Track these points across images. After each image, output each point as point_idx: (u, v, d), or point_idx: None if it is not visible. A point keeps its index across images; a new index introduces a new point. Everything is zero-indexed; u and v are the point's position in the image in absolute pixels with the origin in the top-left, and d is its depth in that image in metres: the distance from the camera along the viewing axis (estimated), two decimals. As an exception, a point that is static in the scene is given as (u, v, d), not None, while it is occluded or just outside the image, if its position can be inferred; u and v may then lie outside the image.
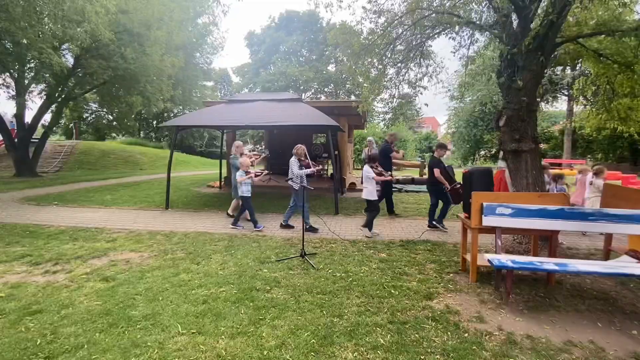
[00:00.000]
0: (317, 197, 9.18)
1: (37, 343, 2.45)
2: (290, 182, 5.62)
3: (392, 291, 3.34)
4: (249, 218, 5.94)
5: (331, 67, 32.80)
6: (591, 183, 5.65)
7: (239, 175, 5.64)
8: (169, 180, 7.74)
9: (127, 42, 12.05)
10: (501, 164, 6.21)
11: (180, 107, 26.56)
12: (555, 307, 3.08)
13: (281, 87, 28.97)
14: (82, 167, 15.81)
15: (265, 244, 4.91)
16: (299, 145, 6.04)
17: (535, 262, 3.19)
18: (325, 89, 32.93)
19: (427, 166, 6.18)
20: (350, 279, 3.63)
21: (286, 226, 5.84)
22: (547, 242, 3.84)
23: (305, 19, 32.13)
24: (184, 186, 11.38)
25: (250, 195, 5.76)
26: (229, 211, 6.63)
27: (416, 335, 2.58)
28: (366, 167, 5.42)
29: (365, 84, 6.95)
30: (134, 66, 12.08)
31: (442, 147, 6.17)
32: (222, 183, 11.07)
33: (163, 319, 2.79)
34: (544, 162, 5.79)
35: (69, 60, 13.63)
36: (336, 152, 8.38)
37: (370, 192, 5.35)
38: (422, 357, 2.31)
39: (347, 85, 31.15)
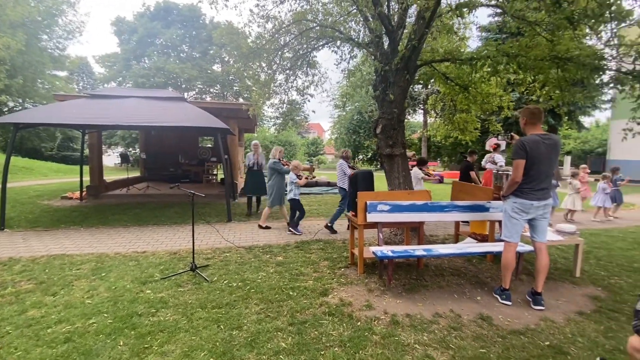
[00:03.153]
0: (207, 203, 8.62)
1: None
2: (340, 185, 6.20)
3: (291, 293, 3.39)
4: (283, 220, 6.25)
5: (217, 67, 31.34)
6: (570, 183, 7.22)
7: (293, 179, 5.80)
8: (4, 192, 6.02)
9: None
10: (489, 165, 7.17)
11: (20, 100, 21.12)
12: (425, 286, 3.65)
13: (159, 84, 26.14)
14: None
15: (146, 261, 4.33)
16: (346, 149, 6.54)
17: (409, 250, 3.73)
18: (211, 90, 31.26)
19: (460, 169, 7.18)
20: (248, 287, 3.52)
21: (331, 228, 5.99)
22: (416, 232, 4.53)
23: (185, 13, 29.82)
24: (28, 199, 9.06)
25: (299, 198, 5.90)
26: (261, 223, 6.26)
27: (315, 332, 2.68)
28: (415, 169, 6.34)
29: (254, 88, 6.90)
30: (-59, 42, 9.00)
31: (474, 153, 7.25)
32: (84, 193, 9.26)
33: (3, 373, 2.15)
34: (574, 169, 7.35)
35: None
36: (226, 156, 8.03)
37: None
38: (322, 353, 2.41)
39: (235, 87, 30.28)
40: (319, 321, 2.84)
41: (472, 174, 6.96)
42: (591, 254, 4.89)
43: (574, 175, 7.67)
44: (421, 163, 6.86)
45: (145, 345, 2.46)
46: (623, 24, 3.86)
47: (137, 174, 13.98)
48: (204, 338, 2.57)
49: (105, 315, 2.90)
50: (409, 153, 7.73)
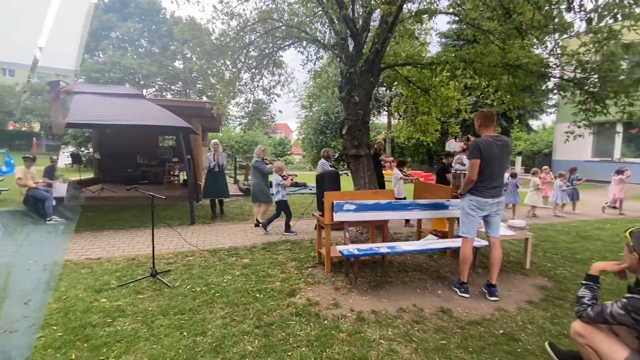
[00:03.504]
0: (168, 206, 8.26)
1: None
2: None
3: (257, 295, 3.34)
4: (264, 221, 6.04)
5: (178, 64, 30.08)
6: (530, 180, 7.91)
7: (279, 181, 5.81)
8: None
9: None
10: (458, 166, 7.42)
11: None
12: (389, 283, 3.75)
13: (114, 80, 24.64)
14: None
15: (100, 268, 4.06)
16: (328, 148, 6.67)
17: (374, 248, 3.82)
18: (172, 87, 29.96)
19: (437, 171, 7.45)
20: (213, 291, 3.42)
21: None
22: (381, 230, 4.65)
23: (144, 6, 28.34)
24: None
25: (286, 199, 5.91)
26: (259, 218, 6.26)
27: (283, 333, 2.66)
28: (396, 171, 6.89)
29: (218, 86, 6.73)
30: None
31: (449, 155, 7.41)
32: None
33: None
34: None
35: None
36: (189, 157, 7.74)
37: (399, 190, 6.61)
38: (290, 354, 2.40)
39: (198, 85, 29.25)
40: (286, 322, 2.83)
41: (449, 175, 7.32)
42: (539, 247, 5.29)
43: (534, 174, 8.33)
44: (401, 164, 7.21)
45: (101, 357, 2.31)
46: (565, 35, 4.22)
47: (90, 175, 13.08)
48: (166, 346, 2.46)
49: (55, 327, 2.69)
50: (388, 158, 8.07)
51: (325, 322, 2.85)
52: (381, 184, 7.79)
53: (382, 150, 8.23)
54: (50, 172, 7.00)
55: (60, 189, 6.56)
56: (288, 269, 4.11)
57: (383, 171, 7.40)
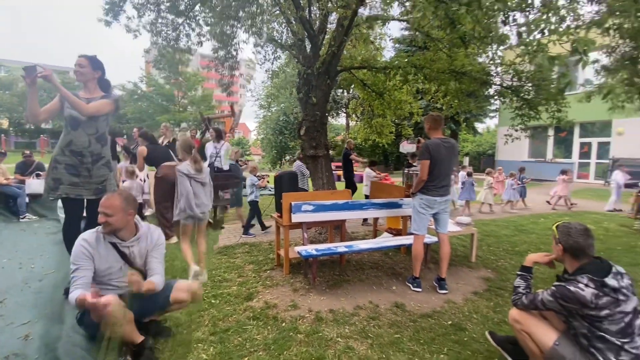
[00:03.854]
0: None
1: None
2: (300, 186, 6.08)
3: (213, 301, 3.23)
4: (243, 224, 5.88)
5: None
6: (484, 179, 8.27)
7: (255, 181, 5.79)
8: None
9: None
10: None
11: None
12: (347, 281, 3.82)
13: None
14: None
15: (35, 280, 3.67)
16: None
17: (332, 248, 3.87)
18: (120, 83, 28.03)
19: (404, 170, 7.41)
20: (164, 299, 3.25)
21: None
22: (339, 230, 4.72)
23: None
24: None
25: (259, 200, 5.93)
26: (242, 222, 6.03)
27: (239, 338, 2.60)
28: (368, 169, 7.17)
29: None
30: None
31: (415, 156, 7.30)
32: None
33: None
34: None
35: None
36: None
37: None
38: (246, 359, 2.35)
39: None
40: (243, 327, 2.76)
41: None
42: (483, 241, 5.70)
43: (488, 173, 8.96)
44: (372, 164, 7.38)
45: (32, 380, 2.09)
46: (502, 47, 4.60)
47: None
48: (110, 361, 2.28)
49: (-25, 351, 2.38)
50: (357, 157, 8.17)
51: (283, 324, 2.84)
52: (353, 183, 7.90)
53: (353, 149, 8.37)
54: (23, 168, 6.66)
55: (33, 185, 6.26)
56: (246, 273, 4.02)
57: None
